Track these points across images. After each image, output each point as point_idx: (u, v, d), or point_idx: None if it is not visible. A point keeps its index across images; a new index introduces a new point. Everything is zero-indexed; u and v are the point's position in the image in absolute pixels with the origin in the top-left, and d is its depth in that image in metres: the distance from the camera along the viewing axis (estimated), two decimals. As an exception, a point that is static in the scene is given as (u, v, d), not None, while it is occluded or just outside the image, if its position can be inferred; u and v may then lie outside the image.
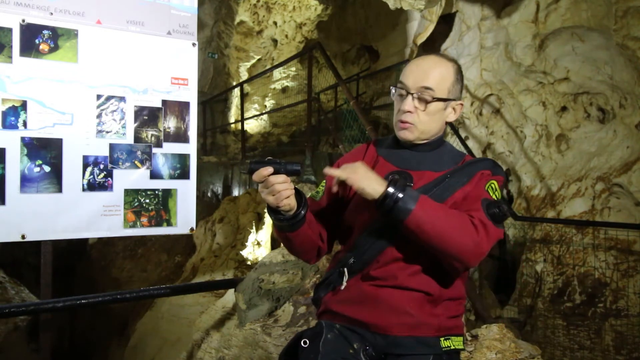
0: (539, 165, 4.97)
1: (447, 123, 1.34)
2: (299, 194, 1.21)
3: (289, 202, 1.17)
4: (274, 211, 1.20)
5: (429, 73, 1.27)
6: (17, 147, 2.09)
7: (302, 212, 1.21)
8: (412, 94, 1.26)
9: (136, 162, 2.35)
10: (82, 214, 2.23)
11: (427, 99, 1.26)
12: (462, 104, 1.34)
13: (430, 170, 1.29)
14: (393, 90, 1.32)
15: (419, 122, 1.27)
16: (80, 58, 2.21)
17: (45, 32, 2.13)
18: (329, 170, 1.20)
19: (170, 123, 2.42)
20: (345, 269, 1.26)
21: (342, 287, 1.26)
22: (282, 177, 1.13)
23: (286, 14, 10.48)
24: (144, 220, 2.37)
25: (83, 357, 5.18)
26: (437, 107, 1.28)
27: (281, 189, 1.13)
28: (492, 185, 1.25)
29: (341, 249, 1.38)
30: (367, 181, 1.15)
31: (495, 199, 1.23)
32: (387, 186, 1.14)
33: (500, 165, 1.35)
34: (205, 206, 6.06)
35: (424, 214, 1.13)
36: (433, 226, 1.13)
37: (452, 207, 1.22)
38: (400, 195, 1.13)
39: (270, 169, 1.12)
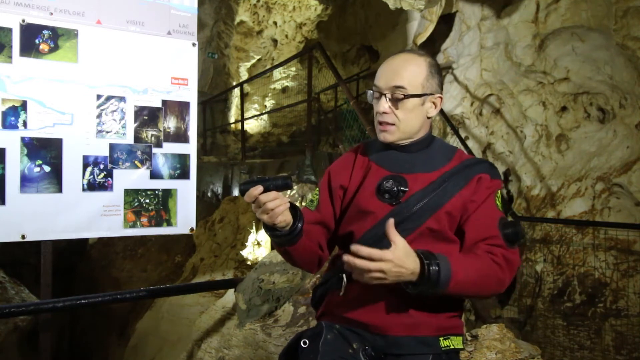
0: (539, 165, 4.97)
1: (429, 118, 1.32)
2: (293, 208, 1.19)
3: (284, 219, 1.15)
4: (270, 228, 1.18)
5: (399, 71, 1.26)
6: (17, 147, 2.09)
7: (299, 225, 1.20)
8: (385, 94, 1.27)
9: (136, 162, 2.35)
10: (82, 214, 2.23)
11: (399, 97, 1.25)
12: (441, 97, 1.32)
13: (423, 172, 1.28)
14: (369, 93, 1.31)
15: (397, 121, 1.27)
16: (80, 58, 2.21)
17: (45, 32, 2.13)
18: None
19: (170, 123, 2.42)
20: (344, 275, 1.26)
21: (341, 294, 1.26)
22: (272, 194, 1.12)
23: (286, 14, 10.48)
24: (144, 220, 2.37)
25: (83, 357, 5.18)
26: (413, 104, 1.26)
27: (273, 206, 1.11)
28: (498, 196, 1.27)
29: (340, 253, 1.37)
30: (400, 277, 1.09)
31: (499, 206, 1.26)
32: (422, 270, 1.09)
33: (496, 167, 1.35)
34: (205, 206, 6.05)
35: (457, 285, 1.11)
36: (467, 289, 1.16)
37: (450, 212, 1.23)
38: (436, 280, 1.09)
39: (259, 188, 1.11)
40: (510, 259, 1.19)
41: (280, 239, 1.20)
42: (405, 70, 1.26)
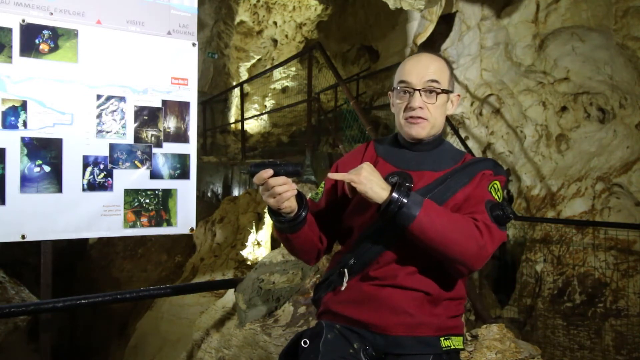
0: (539, 165, 4.97)
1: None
2: (299, 196, 1.21)
3: (290, 205, 1.17)
4: (275, 213, 1.20)
5: (430, 67, 1.28)
6: (17, 147, 2.09)
7: (303, 213, 1.22)
8: (419, 89, 1.27)
9: (136, 162, 2.34)
10: (82, 214, 2.23)
11: (437, 90, 1.27)
12: (459, 96, 1.35)
13: (430, 170, 1.29)
14: (397, 88, 1.31)
15: (430, 116, 1.28)
16: (80, 58, 2.21)
17: (45, 32, 2.13)
18: (333, 175, 1.21)
19: (170, 123, 2.42)
20: (346, 270, 1.26)
21: (343, 288, 1.26)
22: (282, 179, 1.13)
23: (286, 14, 10.48)
24: (144, 220, 2.37)
25: (83, 357, 5.18)
26: (443, 100, 1.29)
27: (281, 191, 1.13)
28: (495, 185, 1.25)
29: (341, 250, 1.38)
30: (370, 184, 1.14)
31: (498, 199, 1.23)
32: (391, 191, 1.13)
33: (501, 165, 1.35)
34: (205, 206, 6.05)
35: (428, 219, 1.12)
36: (437, 232, 1.12)
37: (453, 208, 1.22)
38: (405, 200, 1.12)
39: (270, 172, 1.13)
40: (491, 227, 1.16)
41: (283, 224, 1.22)
42: (435, 66, 1.29)
